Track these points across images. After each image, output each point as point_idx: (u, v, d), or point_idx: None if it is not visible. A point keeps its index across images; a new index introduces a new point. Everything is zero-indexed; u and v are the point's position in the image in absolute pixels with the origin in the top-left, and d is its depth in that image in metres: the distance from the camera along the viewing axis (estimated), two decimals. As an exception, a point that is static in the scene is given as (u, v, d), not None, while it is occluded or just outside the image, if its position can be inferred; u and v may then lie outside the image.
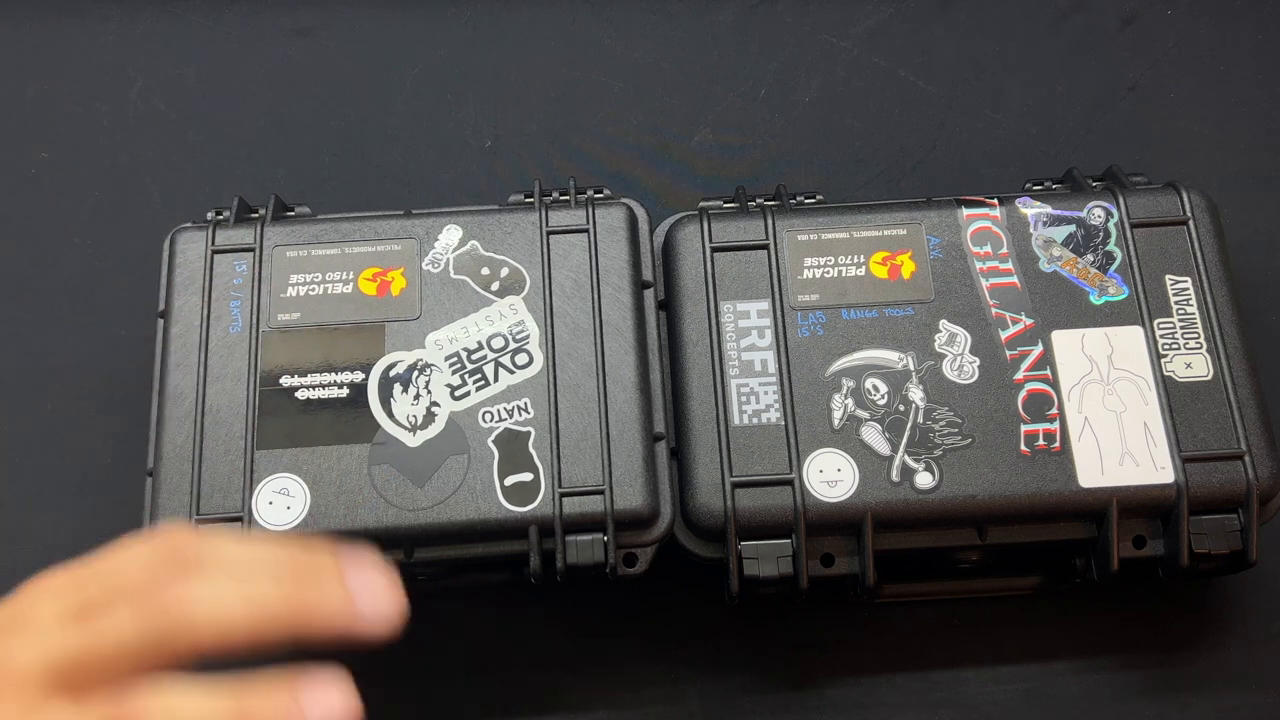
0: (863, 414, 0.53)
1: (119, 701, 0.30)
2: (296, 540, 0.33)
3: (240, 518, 0.50)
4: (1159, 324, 0.54)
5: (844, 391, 0.53)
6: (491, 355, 0.53)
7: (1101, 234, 0.56)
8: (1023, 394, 0.53)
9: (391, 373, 0.53)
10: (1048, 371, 0.53)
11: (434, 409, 0.52)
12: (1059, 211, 0.57)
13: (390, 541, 0.51)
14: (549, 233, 0.56)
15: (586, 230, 0.56)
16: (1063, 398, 0.53)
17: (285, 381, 0.53)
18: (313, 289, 0.55)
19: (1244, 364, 0.53)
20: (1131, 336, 0.54)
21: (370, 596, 0.32)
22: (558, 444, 0.52)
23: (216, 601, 0.31)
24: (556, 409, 0.52)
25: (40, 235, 0.67)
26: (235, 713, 0.30)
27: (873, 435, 0.52)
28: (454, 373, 0.53)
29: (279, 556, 0.32)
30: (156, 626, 0.30)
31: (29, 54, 0.72)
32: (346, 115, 0.71)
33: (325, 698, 0.31)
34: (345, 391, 0.53)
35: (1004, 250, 0.56)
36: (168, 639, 0.30)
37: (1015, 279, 0.55)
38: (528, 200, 0.58)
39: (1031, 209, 0.57)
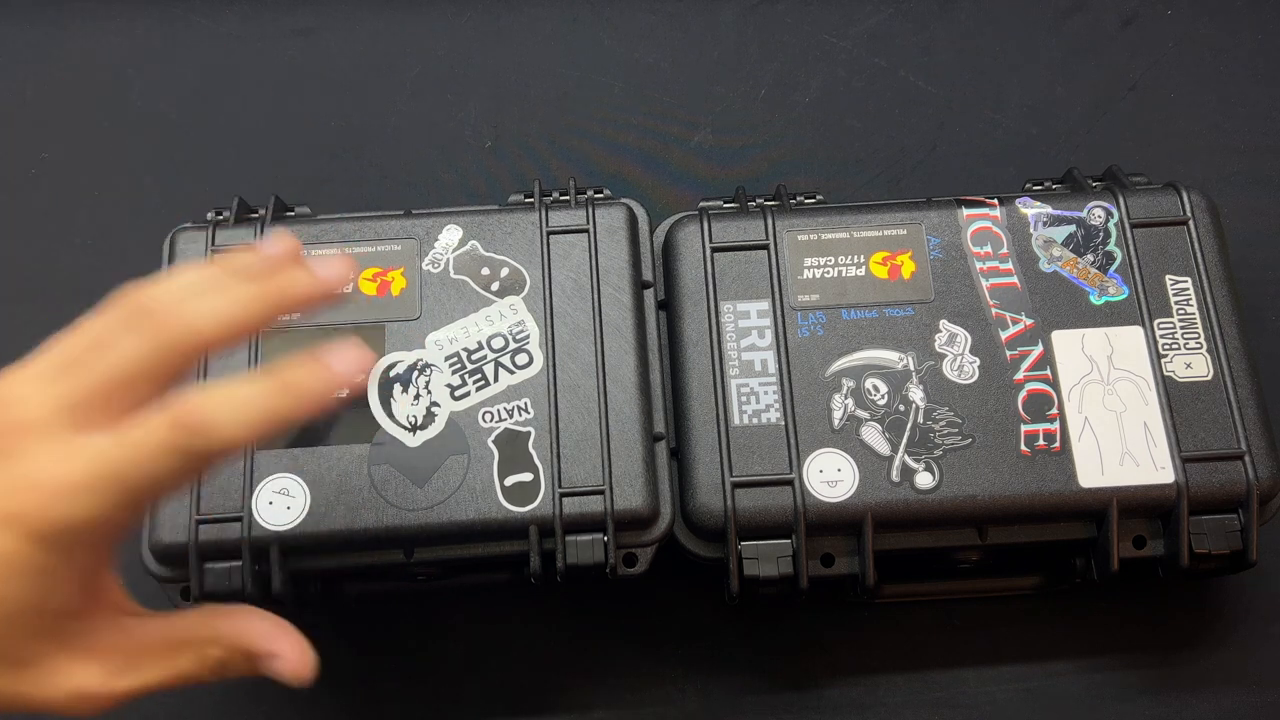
0: (863, 414, 0.53)
1: (158, 408, 0.33)
2: (244, 252, 0.37)
3: (240, 517, 0.50)
4: (1159, 324, 0.54)
5: (844, 391, 0.53)
6: (491, 355, 0.53)
7: (1101, 234, 0.56)
8: (1023, 394, 0.53)
9: (391, 373, 0.53)
10: (1048, 371, 0.53)
11: (434, 409, 0.52)
12: (1059, 211, 0.57)
13: (390, 541, 0.51)
14: (549, 233, 0.56)
15: (586, 230, 0.56)
16: (1063, 398, 0.53)
17: (285, 381, 0.53)
18: (313, 289, 0.55)
19: (1244, 364, 0.53)
20: (1131, 336, 0.54)
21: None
22: (558, 444, 0.52)
23: (207, 306, 0.34)
24: (556, 409, 0.52)
25: (40, 235, 0.67)
26: (276, 383, 0.35)
27: (873, 435, 0.52)
28: (454, 373, 0.53)
29: (239, 263, 0.36)
30: (159, 339, 0.34)
31: (29, 54, 0.72)
32: (346, 115, 0.71)
33: (345, 356, 0.36)
34: (345, 391, 0.52)
35: (1004, 250, 0.56)
36: (173, 347, 0.34)
37: (1015, 279, 0.55)
38: (528, 200, 0.58)
39: (1031, 209, 0.57)
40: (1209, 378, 0.53)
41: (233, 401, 0.33)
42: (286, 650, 0.37)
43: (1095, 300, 0.55)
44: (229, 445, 0.33)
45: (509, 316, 0.54)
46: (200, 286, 0.35)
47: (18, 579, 0.32)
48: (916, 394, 0.53)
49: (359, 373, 0.36)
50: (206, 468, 0.34)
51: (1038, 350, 0.54)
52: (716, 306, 0.55)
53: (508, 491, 0.51)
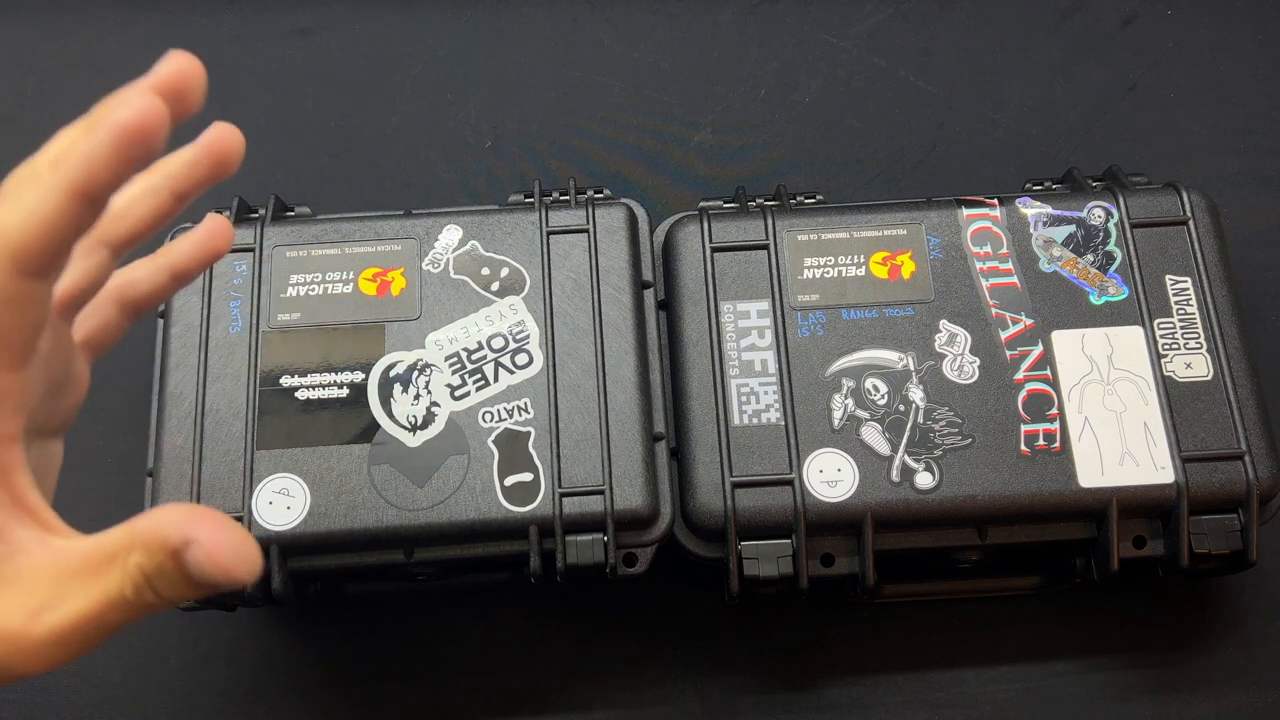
0: (863, 414, 0.53)
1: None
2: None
3: (240, 517, 0.50)
4: (1159, 324, 0.54)
5: (844, 391, 0.53)
6: (491, 355, 0.53)
7: (1101, 234, 0.56)
8: (1023, 394, 0.53)
9: (391, 373, 0.53)
10: (1048, 371, 0.53)
11: (434, 409, 0.52)
12: (1059, 211, 0.57)
13: (390, 541, 0.51)
14: (549, 233, 0.56)
15: (586, 230, 0.56)
16: (1063, 398, 0.53)
17: (285, 381, 0.53)
18: (313, 289, 0.55)
19: (1244, 364, 0.53)
20: (1131, 336, 0.54)
21: (129, 108, 0.30)
22: (558, 444, 0.52)
23: (9, 205, 0.28)
24: (556, 409, 0.52)
25: (40, 235, 0.67)
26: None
27: (873, 435, 0.52)
28: (454, 373, 0.53)
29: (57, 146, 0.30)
30: None
31: (29, 54, 0.72)
32: (346, 115, 0.71)
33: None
34: (345, 391, 0.53)
35: (1004, 250, 0.56)
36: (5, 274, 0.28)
37: (1015, 279, 0.55)
38: (528, 200, 0.58)
39: (1031, 209, 0.57)
40: (1209, 378, 0.53)
41: (6, 195, 0.28)
42: (204, 535, 0.28)
43: (1095, 300, 0.55)
44: (15, 239, 0.28)
45: (509, 316, 0.54)
46: (19, 182, 0.29)
47: None
48: (916, 394, 0.53)
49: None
50: (15, 279, 0.28)
51: (1038, 350, 0.54)
52: (716, 306, 0.55)
53: (508, 491, 0.51)
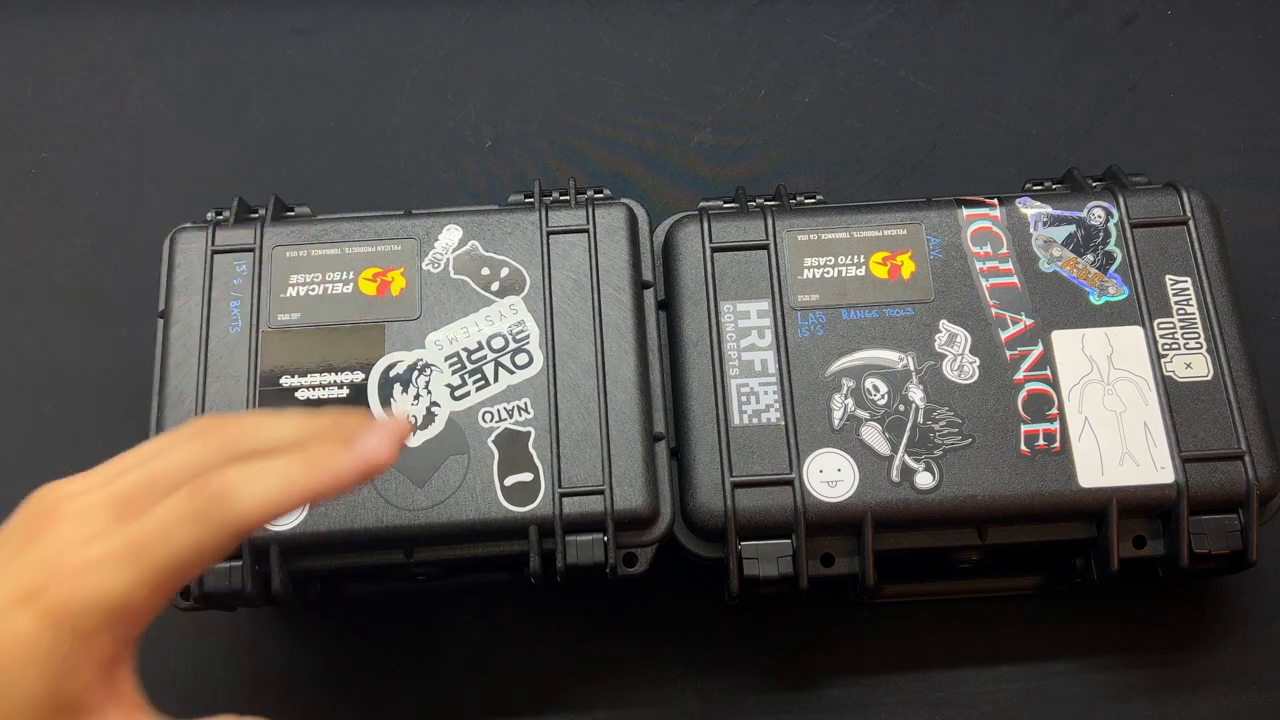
0: (863, 414, 0.53)
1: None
2: (316, 413, 0.38)
3: (240, 518, 0.50)
4: (1159, 324, 0.54)
5: (844, 391, 0.53)
6: (491, 355, 0.53)
7: (1101, 234, 0.56)
8: (1023, 394, 0.53)
9: (391, 373, 0.53)
10: (1048, 371, 0.53)
11: (434, 409, 0.52)
12: (1059, 211, 0.57)
13: (390, 541, 0.51)
14: (549, 233, 0.56)
15: (586, 230, 0.56)
16: (1063, 398, 0.53)
17: (285, 381, 0.53)
18: (313, 289, 0.55)
19: (1244, 364, 0.53)
20: (1131, 336, 0.54)
21: (376, 449, 0.36)
22: (558, 444, 0.52)
23: (257, 487, 0.34)
24: (556, 409, 0.52)
25: (40, 235, 0.67)
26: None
27: (873, 435, 0.52)
28: (454, 373, 0.53)
29: (304, 430, 0.37)
30: (205, 516, 0.33)
31: (29, 54, 0.72)
32: (346, 115, 0.71)
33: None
34: (345, 392, 0.53)
35: (1004, 250, 0.56)
36: (215, 527, 0.33)
37: (1015, 279, 0.55)
38: (528, 200, 0.58)
39: (1031, 209, 0.57)
40: (1209, 378, 0.53)
41: (256, 474, 0.34)
42: None
43: (1095, 300, 0.55)
44: (249, 516, 0.34)
45: (509, 316, 0.54)
46: (269, 444, 0.36)
47: (34, 666, 0.31)
48: (916, 394, 0.53)
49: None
50: (229, 541, 0.33)
51: (1038, 350, 0.54)
52: (716, 306, 0.55)
53: (508, 491, 0.51)
